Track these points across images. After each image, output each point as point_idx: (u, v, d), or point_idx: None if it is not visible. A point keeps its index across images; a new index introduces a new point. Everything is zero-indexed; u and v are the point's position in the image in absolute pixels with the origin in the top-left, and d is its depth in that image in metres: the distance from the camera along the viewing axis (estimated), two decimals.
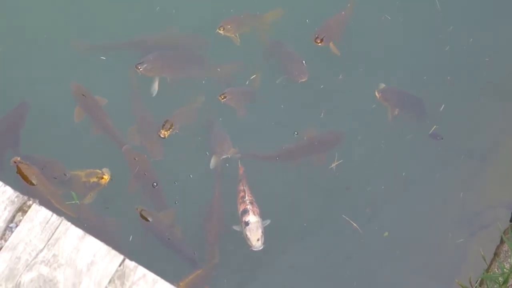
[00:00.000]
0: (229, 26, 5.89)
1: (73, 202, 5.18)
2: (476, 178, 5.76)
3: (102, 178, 5.22)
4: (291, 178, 5.63)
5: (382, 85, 5.88)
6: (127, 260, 3.52)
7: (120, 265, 3.52)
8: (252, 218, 5.03)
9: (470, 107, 6.01)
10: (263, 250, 5.07)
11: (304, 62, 5.86)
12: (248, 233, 4.99)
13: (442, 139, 5.80)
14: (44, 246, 3.53)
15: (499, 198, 5.70)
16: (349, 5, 6.07)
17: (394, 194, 5.66)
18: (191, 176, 5.46)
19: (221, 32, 5.86)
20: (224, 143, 5.53)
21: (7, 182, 3.67)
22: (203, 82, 5.87)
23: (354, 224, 5.42)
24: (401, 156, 5.80)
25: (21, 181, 5.14)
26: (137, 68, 5.62)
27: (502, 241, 5.33)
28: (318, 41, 5.84)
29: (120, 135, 5.56)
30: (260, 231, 4.99)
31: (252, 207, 5.09)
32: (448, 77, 6.07)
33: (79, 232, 3.56)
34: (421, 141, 5.84)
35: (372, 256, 5.41)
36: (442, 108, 5.93)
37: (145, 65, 5.65)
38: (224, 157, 5.47)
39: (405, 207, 5.63)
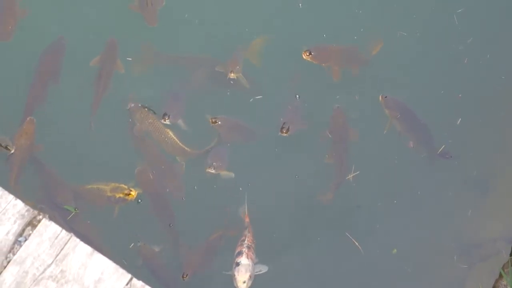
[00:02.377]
0: (238, 67, 5.66)
1: (73, 212, 5.07)
2: (477, 209, 5.58)
3: (129, 194, 5.06)
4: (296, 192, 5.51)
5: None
6: (134, 279, 3.43)
7: (127, 284, 3.42)
8: (244, 261, 4.88)
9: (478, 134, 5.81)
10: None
11: (297, 96, 5.71)
12: (236, 274, 4.84)
13: (451, 157, 5.61)
14: (52, 262, 3.45)
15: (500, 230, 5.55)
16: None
17: (404, 211, 5.48)
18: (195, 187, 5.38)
19: (233, 76, 5.63)
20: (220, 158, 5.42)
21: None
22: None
23: (356, 243, 5.27)
24: (414, 174, 5.66)
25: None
26: (164, 119, 5.43)
27: (501, 276, 5.19)
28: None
29: None
30: (248, 274, 4.81)
31: (248, 251, 4.93)
32: (460, 95, 5.88)
33: (87, 249, 3.47)
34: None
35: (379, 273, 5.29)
36: (459, 121, 5.78)
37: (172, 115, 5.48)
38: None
39: (412, 226, 5.48)
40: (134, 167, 5.38)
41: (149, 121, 5.48)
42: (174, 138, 5.44)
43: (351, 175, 5.47)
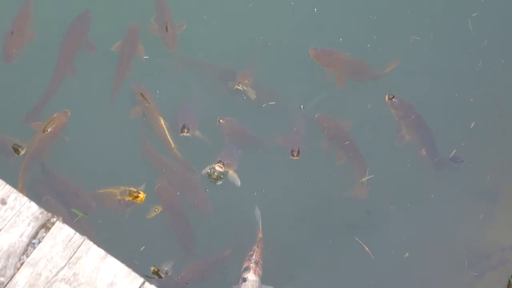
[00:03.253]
0: (246, 81, 5.62)
1: (80, 215, 5.03)
2: (488, 216, 5.51)
3: (138, 197, 5.03)
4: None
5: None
6: (146, 284, 3.38)
7: None
8: (251, 276, 4.82)
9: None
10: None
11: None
12: None
13: (463, 161, 5.54)
14: (65, 264, 3.40)
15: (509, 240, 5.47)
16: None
17: (416, 215, 5.42)
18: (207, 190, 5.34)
19: (239, 88, 5.60)
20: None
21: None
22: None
23: (366, 248, 5.21)
24: (427, 178, 5.61)
25: None
26: (182, 132, 5.40)
27: (509, 284, 5.13)
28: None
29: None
30: None
31: (255, 266, 4.87)
32: (471, 99, 5.82)
33: (100, 252, 3.43)
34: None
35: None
36: (472, 125, 5.71)
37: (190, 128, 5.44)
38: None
39: (425, 230, 5.42)
40: (144, 171, 5.39)
41: (146, 105, 5.48)
42: (165, 129, 5.43)
43: (365, 178, 5.41)
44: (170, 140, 5.41)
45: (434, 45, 5.97)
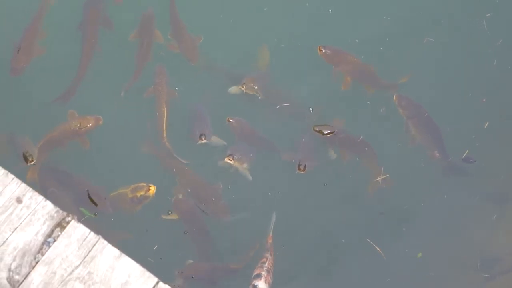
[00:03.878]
0: (252, 85, 5.56)
1: (88, 215, 4.99)
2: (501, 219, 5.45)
3: (149, 190, 5.00)
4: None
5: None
6: (160, 283, 3.35)
7: (153, 287, 3.33)
8: (261, 285, 4.73)
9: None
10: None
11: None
12: None
13: (475, 161, 5.49)
14: (80, 263, 3.37)
15: None
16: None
17: (430, 215, 5.37)
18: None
19: (243, 89, 5.55)
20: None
21: None
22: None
23: (378, 249, 5.16)
24: (441, 177, 5.55)
25: None
26: (201, 139, 5.33)
27: None
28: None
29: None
30: None
31: (267, 275, 4.78)
32: (484, 99, 5.78)
33: (115, 251, 3.40)
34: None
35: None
36: (486, 125, 5.67)
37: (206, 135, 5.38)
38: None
39: (438, 229, 5.38)
40: (152, 168, 5.34)
41: (158, 88, 5.49)
42: (164, 118, 5.39)
43: (380, 178, 5.36)
44: (164, 130, 5.36)
45: (448, 46, 5.93)
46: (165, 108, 5.41)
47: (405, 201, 5.39)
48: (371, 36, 5.83)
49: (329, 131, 5.40)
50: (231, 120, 5.43)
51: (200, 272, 5.05)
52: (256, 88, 5.54)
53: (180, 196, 5.18)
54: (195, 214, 5.19)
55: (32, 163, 5.00)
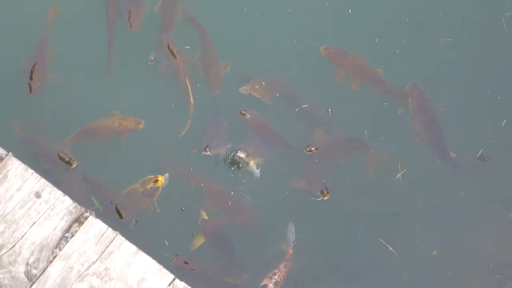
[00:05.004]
0: (257, 87, 5.45)
1: (95, 207, 4.88)
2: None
3: (157, 180, 4.93)
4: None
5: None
6: (177, 280, 3.31)
7: (169, 284, 3.31)
8: None
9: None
10: None
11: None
12: None
13: (490, 159, 5.38)
14: (97, 259, 3.33)
15: None
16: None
17: (446, 212, 5.26)
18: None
19: (245, 89, 5.45)
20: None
21: None
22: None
23: (390, 248, 5.08)
24: (457, 175, 5.42)
25: None
26: (205, 151, 5.17)
27: None
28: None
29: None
30: None
31: (274, 287, 4.69)
32: (498, 97, 5.68)
33: (132, 247, 3.36)
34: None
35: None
36: (504, 123, 5.58)
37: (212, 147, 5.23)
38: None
39: (453, 227, 5.27)
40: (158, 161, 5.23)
41: (172, 59, 5.40)
42: (188, 86, 5.30)
43: (400, 174, 5.27)
44: (191, 96, 5.28)
45: (467, 45, 5.81)
46: (186, 78, 5.33)
47: (421, 199, 5.29)
48: (390, 37, 5.73)
49: (313, 148, 5.25)
50: (243, 113, 5.32)
51: (195, 268, 4.93)
52: (259, 90, 5.42)
53: (205, 216, 5.04)
54: (222, 234, 5.07)
55: (75, 165, 4.95)
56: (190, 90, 5.30)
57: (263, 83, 5.46)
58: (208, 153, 5.14)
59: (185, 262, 4.80)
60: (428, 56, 5.72)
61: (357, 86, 5.51)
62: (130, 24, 5.41)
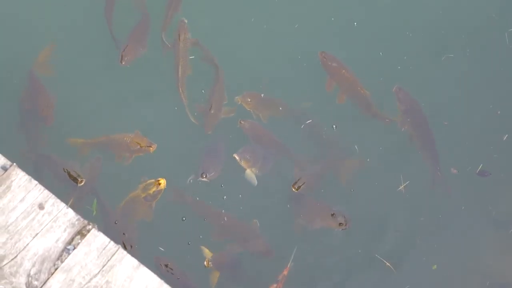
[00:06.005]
0: (248, 100, 5.36)
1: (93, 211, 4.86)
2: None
3: (159, 184, 4.85)
4: None
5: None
6: None
7: None
8: None
9: None
10: None
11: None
12: None
13: (490, 174, 5.31)
14: (99, 272, 3.27)
15: None
16: None
17: (446, 226, 5.22)
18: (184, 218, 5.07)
19: (237, 100, 5.36)
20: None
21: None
22: None
23: (387, 264, 5.00)
24: (458, 188, 5.35)
25: None
26: (201, 176, 5.07)
27: None
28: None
29: None
30: None
31: None
32: (498, 112, 5.61)
33: (134, 261, 3.29)
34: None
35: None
36: (505, 137, 5.51)
37: (208, 174, 5.12)
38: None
39: (454, 242, 5.22)
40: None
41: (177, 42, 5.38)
42: (179, 73, 5.26)
43: (402, 186, 5.20)
44: (181, 83, 5.25)
45: (469, 60, 5.76)
46: (182, 62, 5.29)
47: (421, 213, 5.23)
48: (394, 51, 5.68)
49: (300, 184, 5.11)
50: (242, 122, 5.24)
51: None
52: (251, 103, 5.34)
53: (208, 252, 4.88)
54: (236, 266, 4.98)
55: (82, 183, 4.88)
56: (180, 76, 5.26)
57: (262, 95, 5.41)
58: (205, 179, 5.04)
59: (165, 265, 4.75)
60: (430, 71, 5.67)
61: (343, 100, 5.40)
62: (122, 58, 5.30)
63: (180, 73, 5.27)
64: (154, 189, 4.85)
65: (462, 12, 5.90)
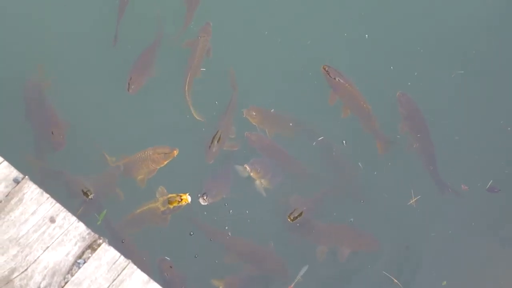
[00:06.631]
0: (253, 113, 5.33)
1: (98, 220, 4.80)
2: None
3: (182, 199, 4.78)
4: None
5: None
6: None
7: None
8: None
9: None
10: None
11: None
12: None
13: (499, 191, 5.28)
14: (109, 286, 3.25)
15: None
16: None
17: (456, 242, 5.16)
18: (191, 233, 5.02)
19: (245, 113, 5.33)
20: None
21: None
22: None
23: (395, 280, 4.95)
24: (468, 204, 5.31)
25: None
26: (202, 198, 4.98)
27: None
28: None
29: None
30: None
31: None
32: (509, 128, 5.59)
33: (144, 276, 3.25)
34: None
35: None
36: None
37: (210, 196, 5.05)
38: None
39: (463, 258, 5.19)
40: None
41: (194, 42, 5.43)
42: (188, 74, 5.27)
43: (413, 200, 5.15)
44: (187, 82, 5.25)
45: (480, 76, 5.73)
46: (195, 62, 5.33)
47: (432, 229, 5.19)
48: (404, 66, 5.66)
49: (296, 214, 5.01)
50: (249, 135, 5.22)
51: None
52: (256, 118, 5.30)
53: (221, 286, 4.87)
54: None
55: (91, 197, 4.86)
56: (189, 77, 5.28)
57: (272, 110, 5.40)
58: (204, 201, 4.95)
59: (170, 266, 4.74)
60: (440, 87, 5.64)
61: (347, 114, 5.37)
62: (129, 87, 5.28)
63: (190, 71, 5.29)
64: (175, 204, 4.81)
65: (473, 29, 5.87)
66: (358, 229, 5.09)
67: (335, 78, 5.32)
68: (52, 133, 5.07)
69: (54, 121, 5.14)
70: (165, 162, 5.01)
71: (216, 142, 5.11)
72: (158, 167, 5.02)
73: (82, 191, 4.83)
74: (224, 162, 5.22)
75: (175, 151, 5.00)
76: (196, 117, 5.21)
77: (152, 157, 4.99)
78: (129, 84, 5.26)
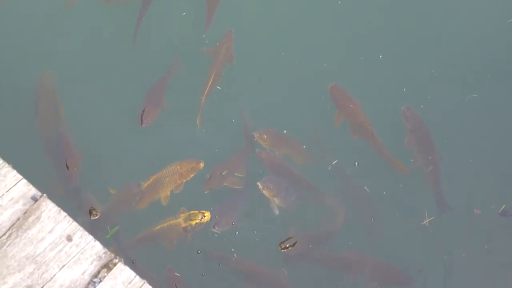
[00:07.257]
0: (264, 137, 5.29)
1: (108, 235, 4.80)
2: None
3: (205, 216, 4.79)
4: None
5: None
6: None
7: None
8: None
9: None
10: None
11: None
12: None
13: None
14: None
15: None
16: None
17: (470, 266, 5.09)
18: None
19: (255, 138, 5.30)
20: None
21: None
22: None
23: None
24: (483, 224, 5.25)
25: None
26: (213, 227, 4.96)
27: None
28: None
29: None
30: None
31: None
32: None
33: None
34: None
35: None
36: None
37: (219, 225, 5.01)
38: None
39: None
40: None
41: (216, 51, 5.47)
42: (209, 81, 5.29)
43: (427, 221, 5.10)
44: (207, 88, 5.28)
45: (493, 100, 5.68)
46: (215, 70, 5.34)
47: (445, 251, 5.12)
48: (418, 89, 5.63)
49: (293, 243, 4.96)
50: (258, 153, 5.21)
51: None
52: (268, 140, 5.27)
53: None
54: None
55: (97, 216, 4.85)
56: (209, 83, 5.30)
57: (285, 131, 5.37)
58: (216, 230, 4.93)
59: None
60: (454, 111, 5.59)
61: (339, 123, 5.34)
62: (142, 120, 5.28)
63: (211, 79, 5.31)
64: (197, 220, 4.80)
65: (487, 53, 5.85)
66: (388, 263, 5.06)
67: (340, 97, 5.33)
68: (67, 166, 5.06)
69: (69, 154, 5.14)
70: (192, 175, 5.01)
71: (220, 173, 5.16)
72: (185, 181, 5.01)
73: (89, 210, 4.83)
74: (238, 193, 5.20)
75: (201, 164, 5.02)
76: (198, 124, 5.23)
77: (180, 171, 4.98)
78: (142, 119, 5.27)
